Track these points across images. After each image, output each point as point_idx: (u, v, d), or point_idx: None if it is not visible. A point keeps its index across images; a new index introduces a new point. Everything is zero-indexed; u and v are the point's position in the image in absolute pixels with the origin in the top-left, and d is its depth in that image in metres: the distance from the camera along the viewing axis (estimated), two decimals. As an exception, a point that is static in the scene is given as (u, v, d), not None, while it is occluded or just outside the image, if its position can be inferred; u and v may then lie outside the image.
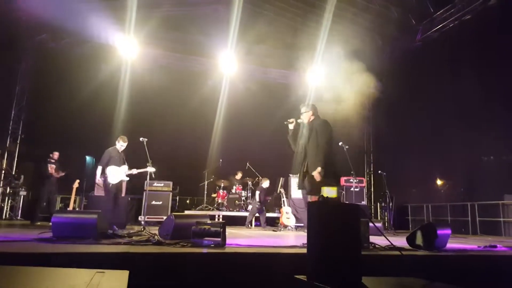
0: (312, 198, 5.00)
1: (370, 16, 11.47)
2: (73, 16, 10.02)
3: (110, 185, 7.32)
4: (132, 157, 7.64)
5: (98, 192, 10.08)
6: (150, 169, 7.41)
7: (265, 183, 10.69)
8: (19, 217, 10.42)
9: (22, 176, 10.76)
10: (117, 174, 7.38)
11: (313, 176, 5.04)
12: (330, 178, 5.00)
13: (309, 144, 5.18)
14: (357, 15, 11.28)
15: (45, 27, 10.83)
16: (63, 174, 9.48)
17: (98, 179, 7.45)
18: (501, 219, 10.18)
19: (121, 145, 7.52)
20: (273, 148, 10.87)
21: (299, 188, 5.44)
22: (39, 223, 8.70)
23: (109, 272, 2.47)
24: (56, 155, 9.51)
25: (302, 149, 5.28)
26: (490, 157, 10.64)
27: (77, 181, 8.49)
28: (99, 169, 7.33)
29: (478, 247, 5.78)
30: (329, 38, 10.71)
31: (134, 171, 7.53)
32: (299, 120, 5.47)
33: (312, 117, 5.39)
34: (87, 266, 2.71)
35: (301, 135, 5.35)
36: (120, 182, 7.57)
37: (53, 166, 9.37)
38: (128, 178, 7.61)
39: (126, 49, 11.28)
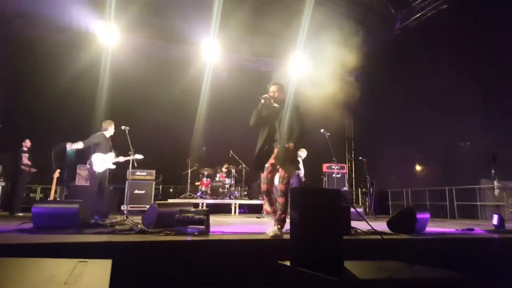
0: (281, 171, 4.86)
1: (350, 5, 11.50)
2: (51, 1, 9.71)
3: (96, 173, 7.03)
4: (114, 146, 7.51)
5: (80, 181, 9.95)
6: (138, 156, 7.28)
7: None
8: (-2, 209, 10.21)
9: (1, 167, 10.51)
10: (104, 162, 7.10)
11: (285, 148, 4.75)
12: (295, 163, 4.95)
13: (282, 125, 4.88)
14: (337, 4, 11.29)
15: (21, 13, 10.48)
16: (35, 170, 9.29)
17: (72, 147, 6.97)
18: (478, 203, 10.50)
19: (109, 131, 7.28)
20: (256, 135, 10.85)
21: (255, 169, 5.30)
22: (21, 214, 8.54)
23: (92, 262, 2.46)
24: (28, 143, 9.27)
25: (271, 128, 4.98)
26: (466, 142, 10.91)
27: (58, 170, 8.32)
28: (79, 144, 6.95)
29: (456, 230, 5.96)
30: (310, 27, 10.69)
31: (121, 159, 7.28)
32: (274, 103, 5.06)
33: (285, 98, 5.10)
34: (70, 256, 2.70)
35: (271, 114, 5.05)
36: (106, 171, 7.25)
37: (26, 155, 9.16)
38: (114, 167, 7.31)
39: (106, 36, 11.01)
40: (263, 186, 4.99)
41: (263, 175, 5.00)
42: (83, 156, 9.67)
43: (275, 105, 5.01)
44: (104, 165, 7.13)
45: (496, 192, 10.19)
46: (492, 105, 9.83)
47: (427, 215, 5.54)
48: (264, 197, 5.14)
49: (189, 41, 12.12)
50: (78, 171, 10.05)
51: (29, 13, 10.19)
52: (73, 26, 10.71)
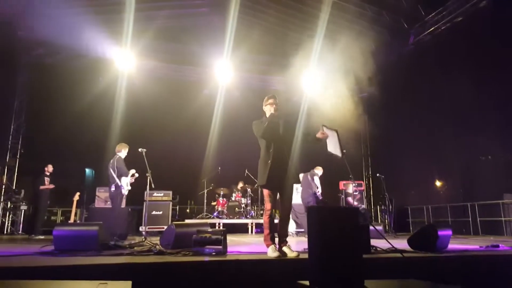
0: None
1: (363, 22, 11.57)
2: (69, 30, 10.06)
3: (124, 196, 7.25)
4: (130, 168, 7.61)
5: (99, 204, 10.08)
6: (132, 171, 7.39)
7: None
8: (20, 232, 10.39)
9: (23, 191, 10.76)
10: (128, 185, 7.36)
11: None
12: None
13: (285, 139, 4.74)
14: (351, 22, 11.38)
15: (41, 42, 10.87)
16: (52, 187, 9.39)
17: (112, 190, 7.17)
18: (502, 219, 10.19)
19: (123, 153, 7.45)
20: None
21: (270, 188, 4.66)
22: (42, 237, 8.67)
23: (112, 283, 2.48)
24: (50, 168, 9.46)
25: (278, 144, 4.70)
26: (488, 156, 10.68)
27: (77, 193, 8.47)
28: (124, 180, 7.18)
29: (480, 247, 5.78)
30: (323, 45, 10.79)
31: (133, 179, 7.48)
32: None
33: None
34: (90, 278, 2.73)
35: (277, 128, 4.77)
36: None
37: (48, 179, 9.34)
38: (130, 188, 7.51)
39: (122, 62, 11.37)
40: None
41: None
42: (101, 179, 9.84)
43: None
44: (128, 188, 7.36)
45: (521, 207, 9.89)
46: (512, 116, 9.63)
47: (449, 232, 5.40)
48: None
49: (202, 64, 12.39)
50: (97, 193, 10.19)
51: (49, 42, 10.56)
52: (90, 52, 11.07)
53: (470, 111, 10.19)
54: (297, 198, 11.61)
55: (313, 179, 9.28)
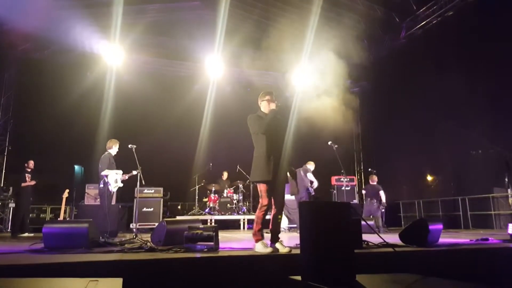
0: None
1: (354, 16, 11.57)
2: (57, 25, 9.90)
3: (111, 193, 7.17)
4: (120, 164, 7.54)
5: (88, 201, 9.99)
6: (134, 172, 7.34)
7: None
8: (9, 230, 10.25)
9: (11, 188, 10.60)
10: (117, 182, 7.26)
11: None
12: None
13: (279, 134, 4.77)
14: (341, 15, 11.37)
15: (28, 37, 10.69)
16: (33, 183, 9.13)
17: (101, 186, 7.13)
18: (492, 212, 10.31)
19: (114, 150, 7.37)
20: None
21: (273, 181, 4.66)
22: (28, 234, 8.56)
23: (103, 280, 2.45)
24: (31, 164, 9.24)
25: (280, 141, 4.75)
26: (478, 151, 10.78)
27: (67, 190, 8.36)
28: (107, 173, 7.05)
29: (470, 240, 5.84)
30: (314, 39, 10.76)
31: (126, 177, 7.43)
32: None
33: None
34: (80, 275, 2.69)
35: (278, 124, 4.79)
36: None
37: (29, 176, 9.19)
38: (122, 185, 7.44)
39: (111, 57, 11.18)
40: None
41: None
42: (91, 176, 9.74)
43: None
44: (117, 185, 7.27)
45: (511, 200, 10.00)
46: (503, 111, 9.69)
47: (440, 226, 5.43)
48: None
49: (193, 59, 12.28)
50: (86, 190, 10.10)
51: (36, 37, 10.39)
52: (78, 47, 10.89)
53: (462, 105, 10.25)
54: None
55: (306, 175, 9.31)
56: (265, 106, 4.89)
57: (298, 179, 9.35)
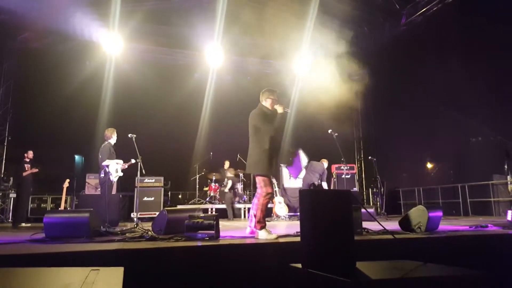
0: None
1: (354, 3, 11.44)
2: (55, 13, 9.80)
3: (112, 182, 7.17)
4: (120, 154, 7.52)
5: (89, 190, 10.01)
6: (133, 160, 7.33)
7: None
8: (10, 220, 10.31)
9: (11, 178, 10.62)
10: (117, 171, 7.24)
11: None
12: None
13: (282, 132, 5.06)
14: (343, 3, 11.24)
15: (27, 26, 10.60)
16: (36, 170, 9.13)
17: (101, 176, 7.08)
18: (491, 199, 10.34)
19: (113, 139, 7.33)
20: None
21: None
22: (27, 225, 8.60)
23: (104, 270, 2.45)
24: (30, 154, 9.24)
25: (280, 137, 5.02)
26: (478, 138, 10.76)
27: (67, 180, 8.37)
28: (108, 163, 6.99)
29: (470, 227, 5.87)
30: (315, 26, 10.66)
31: (126, 166, 7.41)
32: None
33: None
34: (82, 265, 2.70)
35: (282, 124, 5.03)
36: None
37: (29, 165, 9.18)
38: (122, 174, 7.42)
39: (110, 45, 11.10)
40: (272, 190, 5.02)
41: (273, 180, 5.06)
42: (91, 166, 9.73)
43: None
44: (118, 174, 7.26)
45: (510, 187, 10.02)
46: (504, 99, 9.64)
47: (439, 213, 5.46)
48: (274, 200, 5.12)
49: (193, 47, 12.17)
50: (87, 180, 10.12)
51: (34, 26, 10.29)
52: (77, 35, 10.79)
53: (462, 93, 10.20)
54: (290, 182, 11.70)
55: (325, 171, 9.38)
56: (270, 104, 4.97)
57: (317, 169, 9.31)
